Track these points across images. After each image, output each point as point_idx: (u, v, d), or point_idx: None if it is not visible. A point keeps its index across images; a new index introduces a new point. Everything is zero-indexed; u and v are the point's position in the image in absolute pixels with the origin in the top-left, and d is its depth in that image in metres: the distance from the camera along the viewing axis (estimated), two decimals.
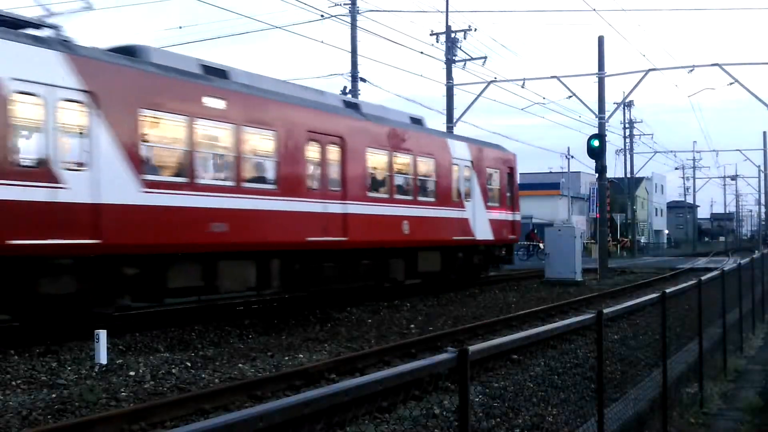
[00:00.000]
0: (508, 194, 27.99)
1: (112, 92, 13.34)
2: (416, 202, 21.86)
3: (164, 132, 14.55)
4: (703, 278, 9.39)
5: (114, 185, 13.12)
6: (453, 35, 35.89)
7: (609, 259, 37.05)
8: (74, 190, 12.48)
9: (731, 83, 31.32)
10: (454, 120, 35.19)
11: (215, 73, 16.18)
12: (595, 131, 33.41)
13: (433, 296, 22.32)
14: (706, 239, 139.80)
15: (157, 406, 8.55)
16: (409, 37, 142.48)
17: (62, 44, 13.03)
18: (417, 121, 24.01)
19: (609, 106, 38.40)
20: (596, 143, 31.89)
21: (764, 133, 74.76)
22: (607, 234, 39.02)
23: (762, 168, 79.76)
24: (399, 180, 21.36)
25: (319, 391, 2.84)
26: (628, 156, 68.52)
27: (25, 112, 12.06)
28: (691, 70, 31.85)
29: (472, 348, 3.68)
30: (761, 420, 8.32)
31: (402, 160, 21.49)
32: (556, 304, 19.95)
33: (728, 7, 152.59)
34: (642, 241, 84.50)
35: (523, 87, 34.16)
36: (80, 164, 12.71)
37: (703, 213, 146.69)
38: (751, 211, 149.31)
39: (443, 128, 33.49)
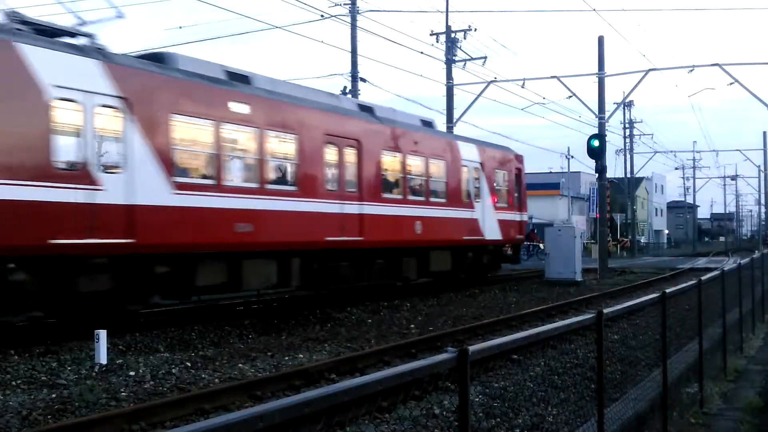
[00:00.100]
0: (515, 195, 28.66)
1: (145, 98, 13.94)
2: (428, 203, 22.45)
3: (193, 136, 15.14)
4: (703, 278, 9.38)
5: (147, 187, 13.74)
6: (453, 35, 35.89)
7: (609, 259, 37.08)
8: (110, 191, 13.11)
9: (731, 83, 31.35)
10: (454, 120, 35.20)
11: (238, 78, 16.75)
12: (595, 131, 33.44)
13: (433, 296, 22.31)
14: (706, 239, 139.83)
15: (157, 406, 8.55)
16: (409, 37, 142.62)
17: (98, 52, 13.60)
18: (428, 124, 24.68)
19: (609, 106, 38.48)
20: (596, 143, 31.91)
21: (764, 133, 74.85)
22: (607, 234, 39.04)
23: (762, 168, 79.82)
24: (412, 181, 21.97)
25: (319, 391, 2.84)
26: (628, 156, 68.58)
27: (66, 117, 12.65)
28: (691, 70, 31.88)
29: (472, 348, 3.68)
30: (761, 420, 8.32)
31: (414, 162, 22.06)
32: (556, 304, 19.95)
33: (728, 7, 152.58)
34: (642, 241, 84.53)
35: (523, 87, 34.24)
36: (116, 167, 13.36)
37: (703, 213, 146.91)
38: (751, 211, 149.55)
39: (443, 128, 33.48)
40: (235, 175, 15.91)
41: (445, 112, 35.77)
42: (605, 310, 5.76)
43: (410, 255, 21.78)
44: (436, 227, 22.70)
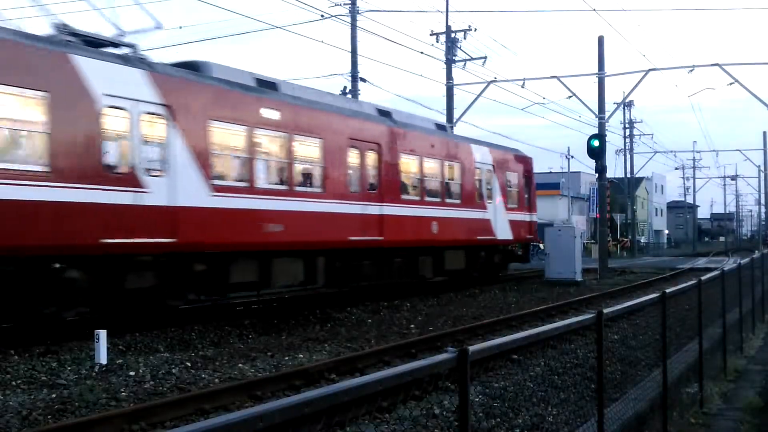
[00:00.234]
0: (525, 196, 29.65)
1: (186, 105, 14.79)
2: (444, 204, 23.32)
3: (229, 141, 15.96)
4: (703, 278, 9.37)
5: (187, 189, 14.62)
6: (453, 35, 35.89)
7: (609, 259, 37.05)
8: (155, 194, 13.98)
9: (731, 83, 31.34)
10: (454, 120, 35.17)
11: (267, 85, 17.57)
12: (595, 131, 33.43)
13: (433, 296, 22.33)
14: (706, 239, 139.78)
15: (157, 406, 8.55)
16: (409, 37, 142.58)
17: (142, 62, 14.46)
18: (442, 128, 25.81)
19: (609, 106, 38.47)
20: (596, 143, 31.91)
21: (764, 133, 74.83)
22: (607, 234, 39.02)
23: (762, 168, 79.80)
24: (428, 183, 22.83)
25: (319, 391, 2.84)
26: (628, 156, 68.56)
27: (115, 124, 13.50)
28: (691, 70, 31.86)
29: (472, 348, 3.67)
30: (761, 420, 8.32)
31: (430, 164, 22.96)
32: (556, 304, 19.95)
33: (728, 7, 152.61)
34: (642, 241, 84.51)
35: (523, 87, 34.21)
36: (159, 171, 14.17)
37: (703, 213, 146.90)
38: (751, 211, 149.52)
39: None
40: (266, 178, 16.71)
41: (445, 112, 35.76)
42: (605, 310, 5.76)
43: (427, 254, 22.57)
44: (452, 227, 23.55)
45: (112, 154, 13.40)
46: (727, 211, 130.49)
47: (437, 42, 36.00)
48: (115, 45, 14.66)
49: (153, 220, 13.81)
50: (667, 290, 7.77)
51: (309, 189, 17.83)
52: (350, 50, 32.14)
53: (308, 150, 17.95)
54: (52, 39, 13.21)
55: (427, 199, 22.46)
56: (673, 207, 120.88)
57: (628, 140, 68.31)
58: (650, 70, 33.17)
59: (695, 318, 9.01)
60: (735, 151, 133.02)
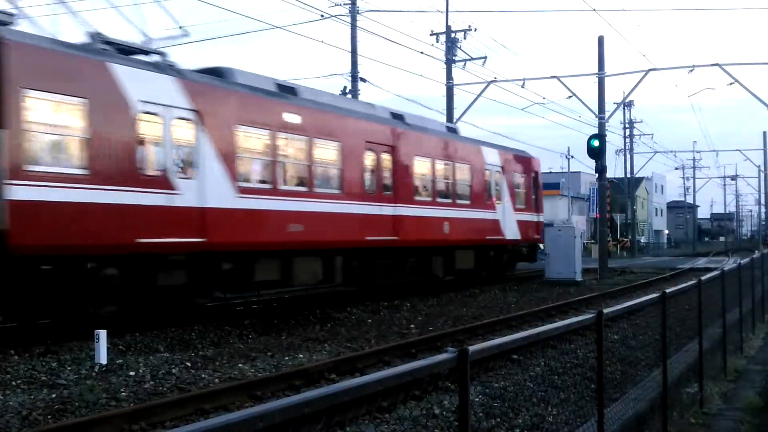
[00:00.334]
0: (533, 196, 30.25)
1: (214, 111, 15.42)
2: (455, 205, 23.94)
3: (254, 144, 16.62)
4: (703, 278, 9.37)
5: (216, 191, 15.25)
6: (453, 35, 35.89)
7: (609, 259, 37.03)
8: (185, 195, 14.61)
9: (731, 83, 31.33)
10: (455, 120, 35.16)
11: (287, 90, 18.16)
12: (595, 131, 33.40)
13: (433, 296, 22.34)
14: (706, 239, 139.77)
15: (157, 406, 8.55)
16: (409, 37, 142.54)
17: (173, 69, 15.05)
18: (452, 130, 26.43)
19: (609, 106, 38.43)
20: (596, 143, 31.91)
21: (764, 133, 74.83)
22: (607, 234, 39.01)
23: (762, 168, 79.80)
24: (440, 184, 23.47)
25: (319, 391, 2.84)
26: (628, 156, 68.55)
27: (149, 129, 14.11)
28: (691, 70, 31.85)
29: (472, 348, 3.67)
30: (761, 420, 8.31)
31: (442, 166, 23.57)
32: (556, 304, 19.95)
33: (728, 7, 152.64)
34: (642, 241, 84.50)
35: (523, 87, 34.20)
36: (190, 174, 14.81)
37: (703, 213, 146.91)
38: (751, 211, 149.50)
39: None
40: (288, 180, 17.38)
41: (445, 112, 35.76)
42: (605, 310, 5.76)
43: (438, 254, 23.24)
44: (462, 228, 24.24)
45: (146, 158, 13.99)
46: (727, 211, 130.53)
47: (437, 42, 36.02)
48: (145, 53, 15.16)
49: (184, 221, 14.46)
50: (667, 290, 7.77)
51: (328, 190, 18.44)
52: (350, 50, 32.15)
53: (327, 153, 18.57)
54: (90, 48, 13.80)
55: (439, 200, 23.08)
56: (673, 207, 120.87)
57: (628, 140, 68.34)
58: (650, 70, 33.16)
59: (695, 318, 9.01)
60: (735, 151, 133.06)
